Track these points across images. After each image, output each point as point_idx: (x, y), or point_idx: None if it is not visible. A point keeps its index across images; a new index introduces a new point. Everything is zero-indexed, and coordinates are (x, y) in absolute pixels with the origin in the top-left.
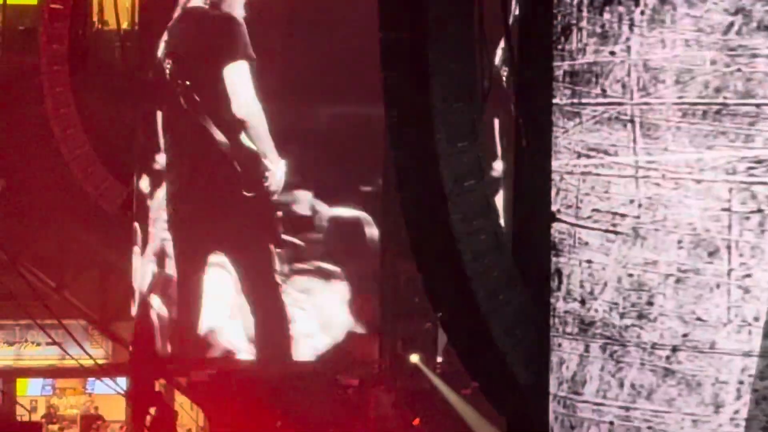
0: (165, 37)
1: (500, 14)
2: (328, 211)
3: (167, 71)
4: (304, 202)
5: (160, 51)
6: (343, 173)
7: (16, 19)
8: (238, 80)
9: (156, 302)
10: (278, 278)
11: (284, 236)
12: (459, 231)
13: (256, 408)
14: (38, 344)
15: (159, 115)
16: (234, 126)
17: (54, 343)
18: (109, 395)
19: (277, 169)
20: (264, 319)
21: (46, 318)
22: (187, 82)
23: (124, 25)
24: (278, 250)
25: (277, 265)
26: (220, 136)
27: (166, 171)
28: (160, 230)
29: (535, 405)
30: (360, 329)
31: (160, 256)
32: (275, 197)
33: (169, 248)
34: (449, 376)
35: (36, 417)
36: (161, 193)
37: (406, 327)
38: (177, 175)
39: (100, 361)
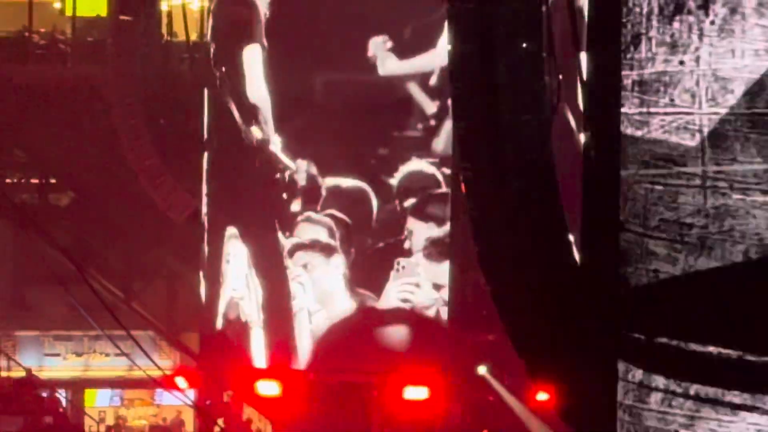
0: (210, 23)
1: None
2: (326, 181)
3: (212, 58)
4: (301, 171)
5: (208, 36)
6: (341, 142)
7: (86, 31)
8: (252, 63)
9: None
10: (283, 252)
11: (290, 209)
12: (526, 241)
13: (322, 419)
14: (106, 355)
15: (206, 96)
16: (248, 110)
17: (122, 353)
18: (178, 406)
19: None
20: (270, 294)
21: (115, 329)
22: (223, 68)
23: (193, 37)
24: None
25: (282, 240)
26: (239, 119)
27: (206, 150)
28: (203, 206)
29: (602, 413)
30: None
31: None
32: (278, 175)
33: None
34: (516, 387)
35: (104, 428)
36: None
37: (473, 338)
38: (212, 152)
39: (168, 372)
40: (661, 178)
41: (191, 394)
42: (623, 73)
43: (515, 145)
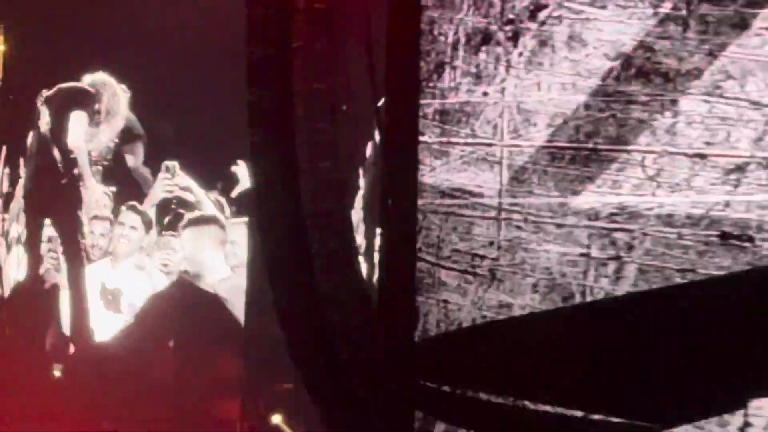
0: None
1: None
2: None
3: (38, 107)
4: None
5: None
6: None
7: None
8: (76, 123)
9: None
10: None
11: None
12: (323, 288)
13: None
14: None
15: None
16: (66, 151)
17: None
18: None
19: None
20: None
21: None
22: (47, 121)
23: None
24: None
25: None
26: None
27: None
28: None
29: None
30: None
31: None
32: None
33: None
34: None
35: None
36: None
37: (269, 388)
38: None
39: None
40: (456, 208)
41: None
42: (424, 101)
43: (312, 192)
